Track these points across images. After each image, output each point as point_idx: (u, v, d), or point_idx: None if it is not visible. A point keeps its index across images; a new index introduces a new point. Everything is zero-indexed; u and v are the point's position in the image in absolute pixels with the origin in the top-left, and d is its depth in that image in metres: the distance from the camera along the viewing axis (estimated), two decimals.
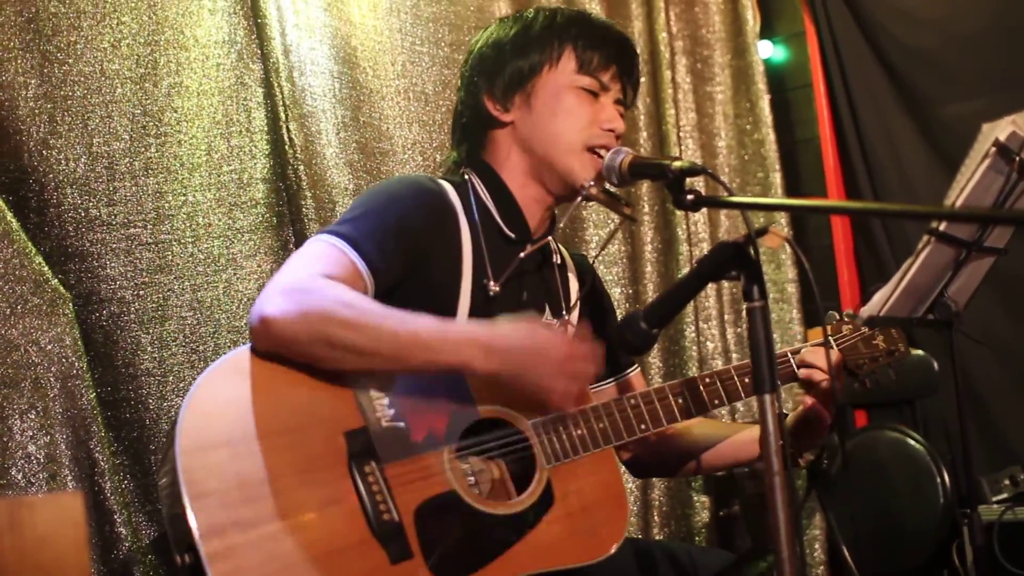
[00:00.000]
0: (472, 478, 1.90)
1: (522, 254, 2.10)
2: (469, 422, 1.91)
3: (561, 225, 2.29)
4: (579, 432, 1.97)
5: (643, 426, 2.04)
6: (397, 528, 1.76)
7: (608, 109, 2.14)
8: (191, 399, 1.70)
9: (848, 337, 2.28)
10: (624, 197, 2.14)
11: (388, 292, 1.95)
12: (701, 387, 2.11)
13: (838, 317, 2.32)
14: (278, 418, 1.75)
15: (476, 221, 2.09)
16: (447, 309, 2.01)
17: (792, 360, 2.17)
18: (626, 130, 2.18)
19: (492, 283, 2.06)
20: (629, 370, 2.34)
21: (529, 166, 2.14)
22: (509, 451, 1.93)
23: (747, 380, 2.13)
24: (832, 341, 2.26)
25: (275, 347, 1.78)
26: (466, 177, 2.16)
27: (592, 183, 2.08)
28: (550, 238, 2.21)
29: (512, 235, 2.14)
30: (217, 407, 1.72)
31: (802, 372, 2.16)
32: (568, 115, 2.11)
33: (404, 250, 1.96)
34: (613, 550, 1.93)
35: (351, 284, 1.87)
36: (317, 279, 1.82)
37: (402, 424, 1.83)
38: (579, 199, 2.12)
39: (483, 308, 2.05)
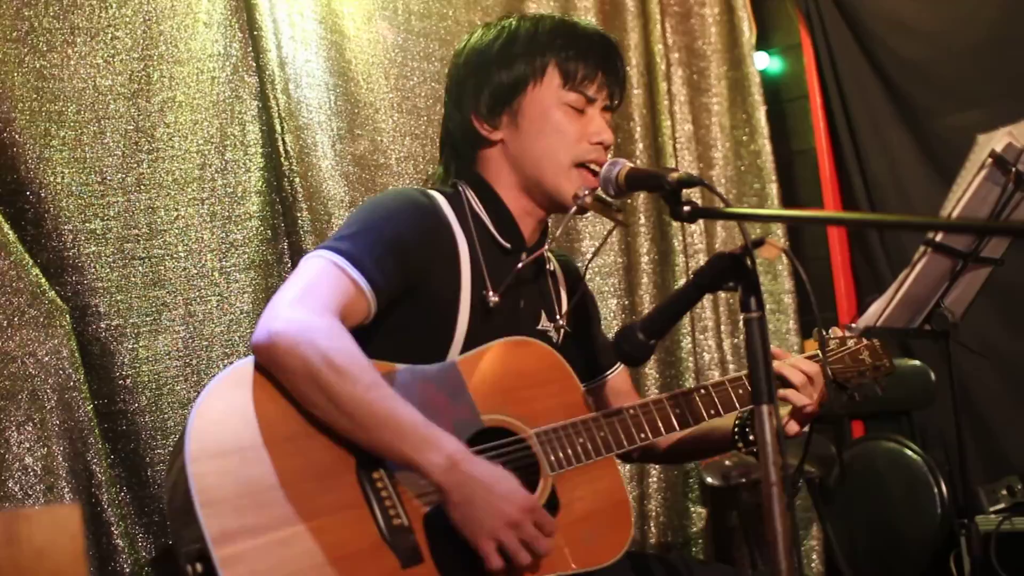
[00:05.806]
0: None
1: (519, 265, 2.11)
2: (473, 431, 1.91)
3: (557, 235, 2.30)
4: (581, 440, 1.98)
5: (643, 435, 2.06)
6: (408, 533, 1.77)
7: (596, 121, 2.12)
8: (200, 407, 1.70)
9: (836, 352, 2.30)
10: (615, 203, 2.14)
11: (388, 309, 1.95)
12: (696, 397, 2.13)
13: (827, 335, 2.33)
14: (286, 425, 1.76)
15: (472, 232, 2.09)
16: (447, 322, 2.02)
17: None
18: (617, 139, 2.18)
19: (491, 293, 2.06)
20: (609, 372, 2.36)
21: (520, 182, 2.14)
22: (513, 459, 1.93)
23: (740, 391, 2.15)
24: (827, 361, 2.27)
25: (273, 367, 1.78)
26: (459, 188, 2.15)
27: (586, 192, 2.08)
28: (544, 248, 2.22)
29: (507, 245, 2.14)
30: (226, 414, 1.72)
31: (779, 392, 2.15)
32: (555, 134, 2.10)
33: (402, 267, 1.95)
34: (619, 555, 1.95)
35: (354, 305, 1.88)
36: (326, 313, 1.81)
37: None
38: (573, 211, 2.12)
39: (482, 319, 2.05)
